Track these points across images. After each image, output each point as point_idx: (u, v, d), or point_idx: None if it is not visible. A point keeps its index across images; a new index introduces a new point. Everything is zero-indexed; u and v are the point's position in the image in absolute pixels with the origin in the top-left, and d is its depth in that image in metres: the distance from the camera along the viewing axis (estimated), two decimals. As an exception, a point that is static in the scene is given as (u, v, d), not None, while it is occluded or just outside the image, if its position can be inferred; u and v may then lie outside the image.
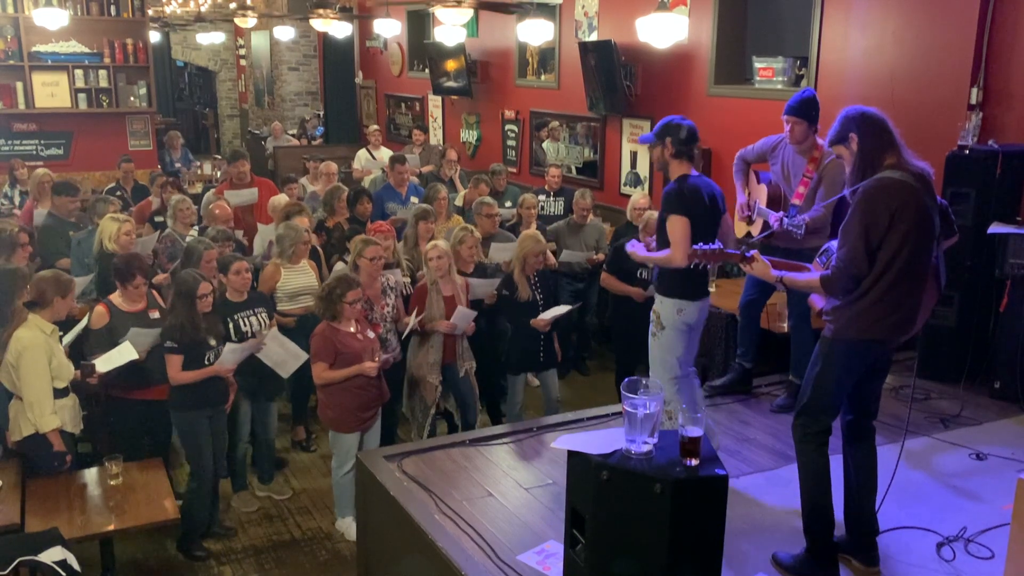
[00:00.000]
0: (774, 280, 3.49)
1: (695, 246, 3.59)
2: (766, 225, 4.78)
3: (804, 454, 3.40)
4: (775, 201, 4.88)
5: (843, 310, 3.28)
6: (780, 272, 3.46)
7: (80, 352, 5.02)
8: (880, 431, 3.55)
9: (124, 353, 4.68)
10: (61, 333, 4.77)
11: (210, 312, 4.79)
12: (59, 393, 4.47)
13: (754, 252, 3.52)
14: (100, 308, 4.95)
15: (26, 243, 5.85)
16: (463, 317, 5.38)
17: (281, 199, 7.33)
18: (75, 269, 6.38)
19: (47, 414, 4.37)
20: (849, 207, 3.26)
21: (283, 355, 5.15)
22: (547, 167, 8.58)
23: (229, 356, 4.77)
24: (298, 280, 5.84)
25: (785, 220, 4.62)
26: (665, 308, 4.08)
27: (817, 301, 4.37)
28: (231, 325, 5.08)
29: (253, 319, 5.19)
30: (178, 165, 11.18)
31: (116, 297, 4.99)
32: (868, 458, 3.46)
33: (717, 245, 3.56)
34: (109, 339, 4.79)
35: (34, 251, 6.24)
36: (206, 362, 4.73)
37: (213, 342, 4.78)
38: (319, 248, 6.53)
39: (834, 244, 3.64)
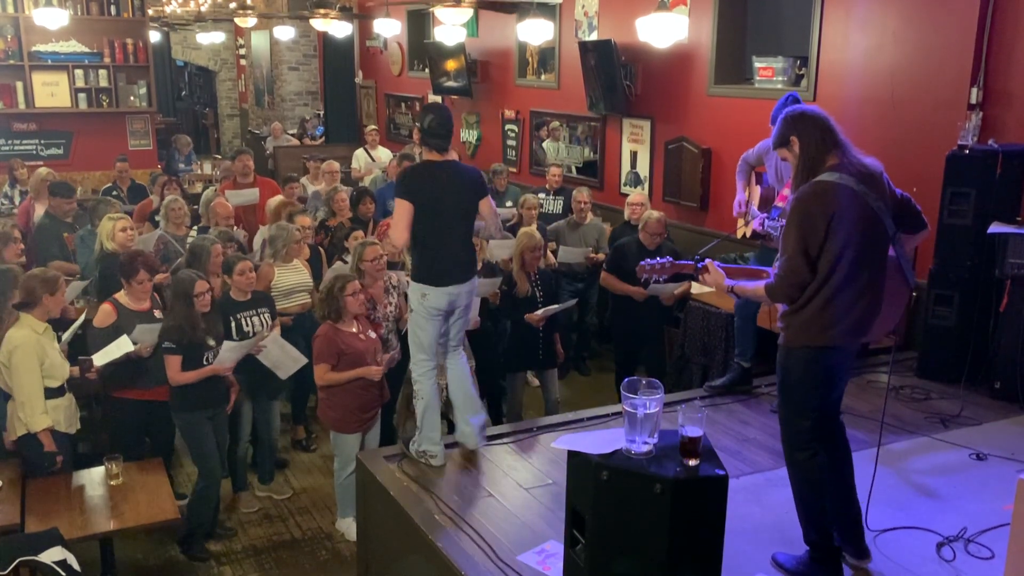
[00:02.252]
0: (727, 290, 3.42)
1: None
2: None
3: (796, 468, 3.32)
4: (768, 202, 4.92)
5: (791, 318, 3.21)
6: (732, 281, 3.41)
7: (84, 352, 5.00)
8: (875, 430, 3.53)
9: (121, 346, 4.67)
10: (59, 333, 4.76)
11: (209, 312, 4.78)
12: (54, 393, 4.47)
13: (707, 262, 3.43)
14: (106, 306, 4.93)
15: (19, 239, 5.88)
16: None
17: (274, 200, 7.32)
18: (82, 262, 6.43)
19: (37, 413, 4.37)
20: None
21: (282, 357, 5.14)
22: (547, 167, 8.58)
23: (227, 355, 4.76)
24: (292, 277, 5.87)
25: (767, 222, 4.67)
26: (412, 292, 4.13)
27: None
28: (233, 324, 5.08)
29: (255, 319, 5.19)
30: (181, 166, 11.20)
31: (122, 296, 4.96)
32: (842, 456, 3.37)
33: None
34: (115, 338, 4.75)
35: (27, 248, 6.26)
36: (205, 362, 4.73)
37: (212, 342, 4.77)
38: (321, 248, 6.52)
39: None
